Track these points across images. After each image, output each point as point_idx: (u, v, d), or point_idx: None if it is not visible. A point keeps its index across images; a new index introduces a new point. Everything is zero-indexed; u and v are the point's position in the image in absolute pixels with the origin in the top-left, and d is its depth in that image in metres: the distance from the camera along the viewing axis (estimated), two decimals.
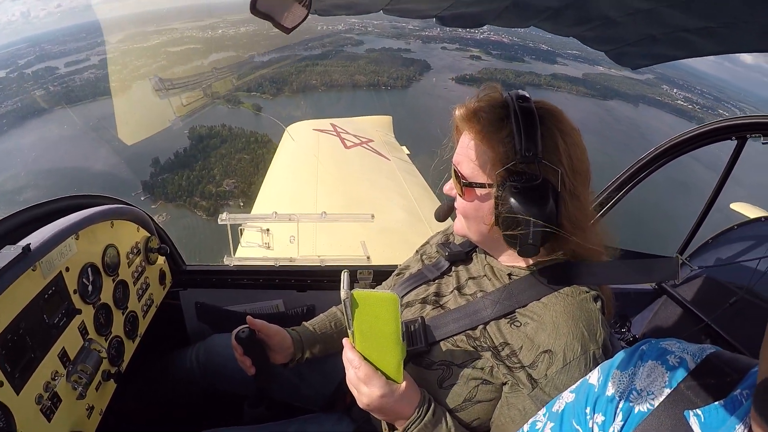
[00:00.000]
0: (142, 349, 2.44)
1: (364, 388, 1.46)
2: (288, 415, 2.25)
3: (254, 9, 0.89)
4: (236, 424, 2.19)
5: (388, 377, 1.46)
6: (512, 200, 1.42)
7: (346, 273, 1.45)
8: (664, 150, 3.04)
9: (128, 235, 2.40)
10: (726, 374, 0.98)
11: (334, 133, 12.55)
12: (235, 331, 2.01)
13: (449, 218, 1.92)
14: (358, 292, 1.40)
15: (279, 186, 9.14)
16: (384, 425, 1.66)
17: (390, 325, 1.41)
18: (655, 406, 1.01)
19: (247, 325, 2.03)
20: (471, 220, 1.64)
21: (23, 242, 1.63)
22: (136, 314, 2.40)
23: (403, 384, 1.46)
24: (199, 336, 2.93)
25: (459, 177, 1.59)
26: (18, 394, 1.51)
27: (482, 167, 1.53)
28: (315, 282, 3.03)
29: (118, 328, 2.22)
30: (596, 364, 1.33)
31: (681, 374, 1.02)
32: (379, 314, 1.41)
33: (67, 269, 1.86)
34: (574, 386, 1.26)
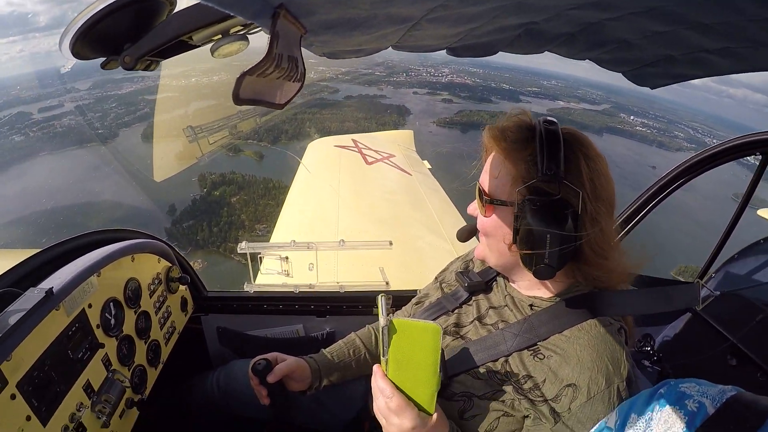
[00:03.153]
0: (165, 372, 2.48)
1: (395, 418, 1.40)
2: None
3: (238, 100, 0.88)
4: None
5: (420, 408, 1.40)
6: (530, 217, 1.41)
7: (383, 298, 1.41)
8: (687, 167, 2.97)
9: (149, 267, 2.45)
10: (745, 419, 0.96)
11: (356, 149, 12.55)
12: (252, 362, 2.02)
13: (470, 241, 1.91)
14: (398, 320, 1.37)
15: (301, 204, 9.13)
16: None
17: (429, 355, 1.36)
18: None
19: (264, 356, 2.04)
20: (491, 238, 1.62)
21: (46, 284, 1.71)
22: (158, 342, 2.45)
23: (435, 416, 1.41)
24: (221, 360, 2.99)
25: (481, 194, 1.59)
26: (45, 426, 1.57)
27: (504, 185, 1.53)
28: (334, 308, 3.04)
29: (140, 357, 2.28)
30: (620, 398, 1.36)
31: (699, 420, 1.00)
32: (419, 344, 1.37)
33: (90, 306, 1.92)
34: (593, 428, 1.26)
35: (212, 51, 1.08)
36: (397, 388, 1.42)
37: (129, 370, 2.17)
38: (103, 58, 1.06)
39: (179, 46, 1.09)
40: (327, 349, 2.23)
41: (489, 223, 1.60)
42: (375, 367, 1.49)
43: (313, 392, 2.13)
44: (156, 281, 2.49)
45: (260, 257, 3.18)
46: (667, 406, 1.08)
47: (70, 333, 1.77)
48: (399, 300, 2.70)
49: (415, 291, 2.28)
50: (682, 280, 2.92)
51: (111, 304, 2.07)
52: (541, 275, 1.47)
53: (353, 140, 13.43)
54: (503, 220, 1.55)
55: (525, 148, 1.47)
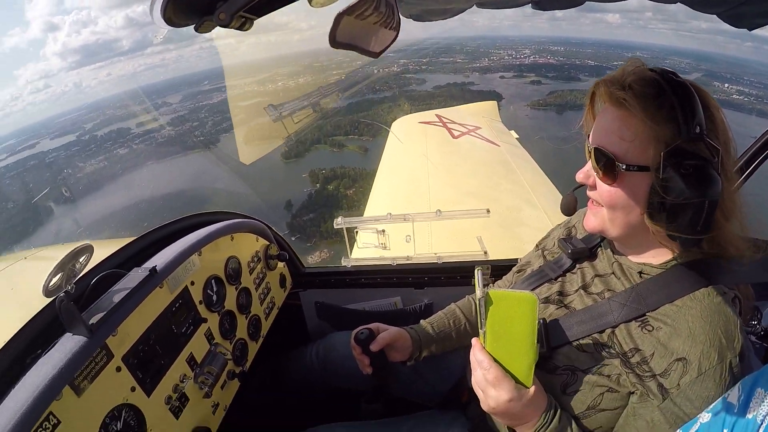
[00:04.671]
0: (265, 346, 2.56)
1: (492, 391, 1.39)
2: (403, 410, 2.27)
3: (334, 42, 0.85)
4: (353, 419, 2.25)
5: (517, 380, 1.38)
6: (682, 182, 1.24)
7: (479, 271, 1.39)
8: None
9: (248, 246, 2.52)
10: None
11: (440, 124, 12.42)
12: (354, 332, 2.05)
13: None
14: (494, 292, 1.36)
15: (391, 183, 9.15)
16: (504, 429, 1.59)
17: (526, 326, 1.34)
18: None
19: (367, 326, 2.05)
20: (618, 210, 1.44)
21: (149, 263, 1.79)
22: (258, 317, 2.52)
23: (532, 389, 1.38)
24: (319, 334, 3.00)
25: (609, 159, 1.39)
26: (149, 397, 1.66)
27: (640, 147, 1.34)
28: (432, 279, 2.99)
29: (242, 331, 2.36)
30: (732, 374, 1.25)
31: None
32: (515, 315, 1.35)
33: (192, 283, 2.00)
34: (711, 405, 1.15)
35: (310, 0, 1.02)
36: (495, 360, 1.41)
37: (231, 344, 2.25)
38: (196, 22, 1.02)
39: (272, 1, 1.04)
40: (427, 320, 2.21)
41: (617, 193, 1.41)
42: (473, 340, 1.48)
43: (412, 363, 2.14)
44: (255, 259, 2.56)
45: (355, 231, 3.17)
46: None
47: (173, 309, 1.85)
48: (499, 270, 2.62)
49: (515, 260, 2.21)
50: None
51: (213, 281, 2.15)
52: (689, 244, 1.34)
53: (437, 115, 13.29)
54: (639, 188, 1.37)
55: (660, 104, 1.30)
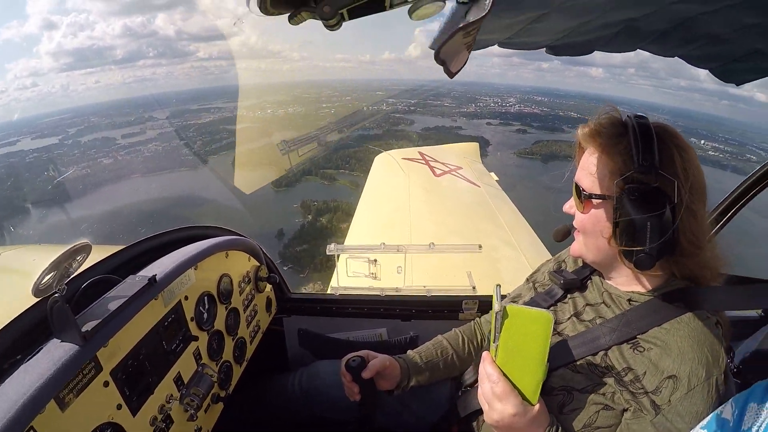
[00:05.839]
0: (248, 371, 2.51)
1: (498, 404, 1.45)
2: None
3: (437, 57, 0.90)
4: None
5: (523, 397, 1.44)
6: (630, 207, 1.41)
7: (498, 287, 1.48)
8: None
9: (240, 265, 2.48)
10: None
11: (423, 162, 12.51)
12: (345, 359, 2.05)
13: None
14: (512, 307, 1.40)
15: (372, 216, 9.16)
16: None
17: (539, 344, 1.38)
18: None
19: (357, 354, 2.05)
20: (589, 235, 1.63)
21: (147, 272, 1.71)
22: (244, 340, 2.48)
23: (537, 406, 1.45)
24: (300, 362, 2.97)
25: (579, 191, 1.60)
26: (134, 416, 1.57)
27: (601, 179, 1.55)
28: (419, 312, 2.99)
29: (228, 353, 2.30)
30: (717, 391, 1.38)
31: None
32: (530, 332, 1.39)
33: (186, 298, 1.94)
34: (704, 421, 1.21)
35: (410, 12, 1.04)
36: (504, 375, 1.46)
37: (217, 365, 2.19)
38: (292, 12, 1.01)
39: (373, 4, 1.06)
40: (414, 350, 2.24)
41: (587, 219, 1.61)
42: (484, 353, 1.54)
43: (399, 392, 2.16)
44: (246, 279, 2.52)
45: (344, 258, 3.15)
46: None
47: (165, 324, 1.79)
48: (486, 305, 2.64)
49: (502, 296, 2.21)
50: None
51: (205, 298, 2.11)
52: (641, 266, 1.46)
53: (420, 153, 13.40)
54: (602, 214, 1.57)
55: (620, 142, 1.50)
